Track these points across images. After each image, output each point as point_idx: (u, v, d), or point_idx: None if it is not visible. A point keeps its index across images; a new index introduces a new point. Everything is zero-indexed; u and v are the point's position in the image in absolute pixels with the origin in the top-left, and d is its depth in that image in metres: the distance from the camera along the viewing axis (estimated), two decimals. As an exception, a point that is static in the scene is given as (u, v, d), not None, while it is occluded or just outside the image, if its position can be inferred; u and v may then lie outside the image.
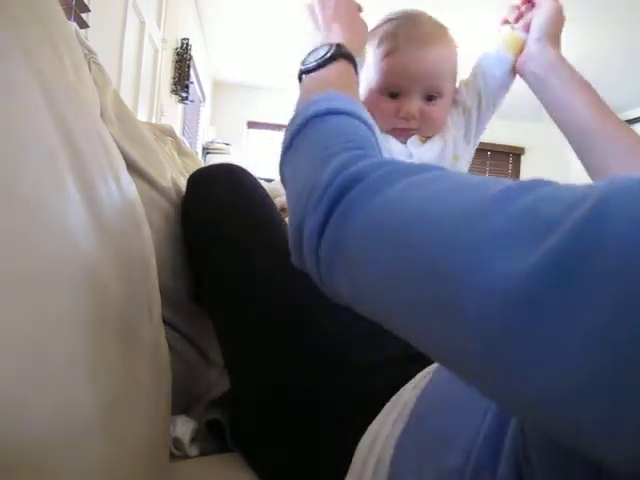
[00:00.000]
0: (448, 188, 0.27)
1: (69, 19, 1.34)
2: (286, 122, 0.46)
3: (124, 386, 0.38)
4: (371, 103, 0.63)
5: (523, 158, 5.64)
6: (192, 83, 3.53)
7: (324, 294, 0.35)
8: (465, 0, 3.20)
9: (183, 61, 3.26)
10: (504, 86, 0.67)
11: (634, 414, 0.15)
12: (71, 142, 0.38)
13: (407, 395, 0.43)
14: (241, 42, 4.17)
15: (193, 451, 0.61)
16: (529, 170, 5.61)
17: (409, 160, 0.62)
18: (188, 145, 1.30)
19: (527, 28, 0.64)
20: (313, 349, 0.53)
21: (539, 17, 0.62)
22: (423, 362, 0.46)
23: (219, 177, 0.70)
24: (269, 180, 1.30)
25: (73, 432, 0.30)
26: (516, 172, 5.66)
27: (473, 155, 0.70)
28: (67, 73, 0.47)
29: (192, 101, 3.66)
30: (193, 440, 0.61)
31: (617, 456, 0.16)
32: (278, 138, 4.70)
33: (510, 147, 5.54)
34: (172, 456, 0.58)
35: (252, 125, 5.28)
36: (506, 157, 5.63)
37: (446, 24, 0.65)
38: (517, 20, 0.66)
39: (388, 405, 0.45)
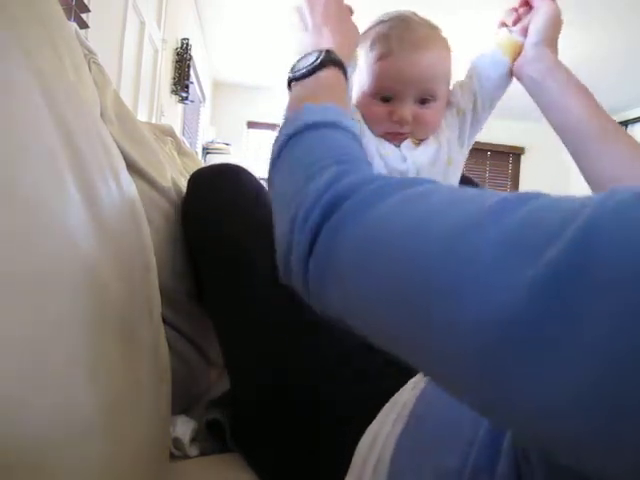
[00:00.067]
0: (441, 201, 0.26)
1: (69, 19, 1.34)
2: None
3: (124, 386, 0.38)
4: (364, 107, 0.62)
5: (523, 158, 5.64)
6: (192, 83, 3.53)
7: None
8: (459, 3, 3.20)
9: (183, 61, 3.26)
10: (500, 88, 0.66)
11: (634, 424, 0.15)
12: (71, 142, 0.38)
13: (406, 395, 0.43)
14: (241, 42, 4.17)
15: (193, 451, 0.61)
16: (529, 170, 5.61)
17: (403, 164, 0.61)
18: (188, 145, 1.30)
19: (524, 32, 0.63)
20: (313, 349, 0.53)
21: (537, 21, 0.62)
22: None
23: (220, 177, 0.70)
24: (269, 180, 1.30)
25: (73, 432, 0.30)
26: (516, 172, 5.66)
27: (467, 156, 0.69)
28: (67, 73, 0.47)
29: (192, 101, 3.66)
30: (193, 440, 0.61)
31: (617, 468, 0.16)
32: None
33: (510, 147, 5.54)
34: (172, 456, 0.58)
35: (252, 125, 5.28)
36: (506, 157, 5.63)
37: (440, 27, 0.65)
38: (515, 23, 0.65)
39: (388, 405, 0.45)
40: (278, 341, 0.55)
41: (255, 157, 5.17)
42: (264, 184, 0.73)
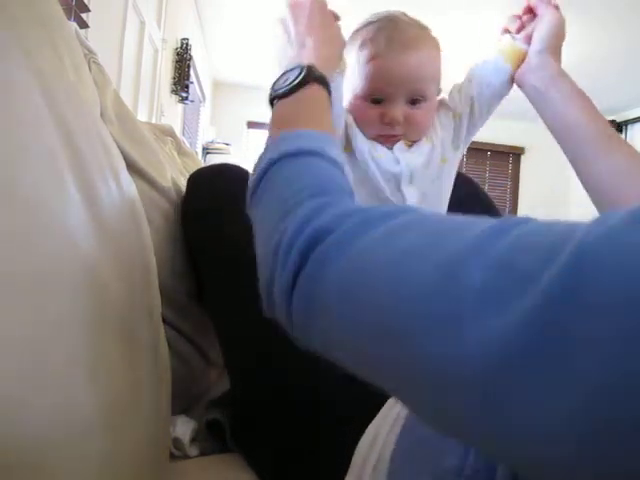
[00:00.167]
0: (427, 232, 0.26)
1: (69, 19, 1.34)
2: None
3: (124, 386, 0.38)
4: (355, 110, 0.62)
5: (523, 158, 5.63)
6: (192, 83, 3.52)
7: None
8: (449, 3, 3.19)
9: (183, 61, 3.26)
10: (499, 96, 0.66)
11: (626, 450, 0.15)
12: (71, 142, 0.38)
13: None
14: (241, 42, 4.17)
15: (193, 451, 0.61)
16: (529, 170, 5.61)
17: (396, 166, 0.61)
18: (188, 145, 1.30)
19: (528, 39, 0.63)
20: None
21: (541, 29, 0.61)
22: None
23: (220, 177, 0.70)
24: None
25: (73, 432, 0.30)
26: (516, 172, 5.66)
27: (464, 157, 0.69)
28: (67, 73, 0.47)
29: (192, 101, 3.66)
30: (193, 440, 0.61)
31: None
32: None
33: (510, 147, 5.54)
34: (172, 456, 0.58)
35: (252, 125, 5.28)
36: (506, 157, 5.63)
37: (430, 28, 0.64)
38: (518, 31, 0.65)
39: (387, 405, 0.45)
40: (278, 341, 0.55)
41: (255, 157, 5.14)
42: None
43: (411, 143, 0.63)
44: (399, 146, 0.62)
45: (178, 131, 3.21)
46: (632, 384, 0.15)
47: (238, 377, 0.61)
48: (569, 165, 0.60)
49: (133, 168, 0.62)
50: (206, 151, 4.47)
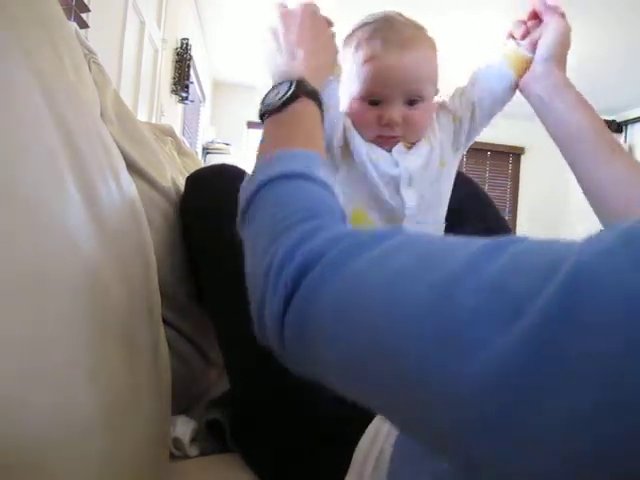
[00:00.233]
0: (409, 263, 0.26)
1: (69, 19, 1.34)
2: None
3: (124, 386, 0.38)
4: (353, 112, 0.61)
5: (523, 158, 5.63)
6: (192, 83, 3.52)
7: None
8: (449, 3, 3.19)
9: (183, 61, 3.26)
10: (502, 102, 0.65)
11: (626, 457, 0.16)
12: (71, 142, 0.38)
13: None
14: (241, 42, 4.17)
15: (193, 451, 0.61)
16: (529, 170, 5.61)
17: (395, 169, 0.60)
18: (188, 145, 1.30)
19: (532, 46, 0.62)
20: (313, 349, 0.53)
21: (547, 38, 0.61)
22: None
23: (219, 177, 0.70)
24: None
25: (73, 432, 0.30)
26: (516, 172, 5.65)
27: (463, 158, 0.68)
28: (67, 73, 0.47)
29: (192, 101, 3.66)
30: (193, 440, 0.62)
31: None
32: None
33: (510, 147, 5.54)
34: (172, 456, 0.58)
35: (252, 125, 5.27)
36: (506, 157, 5.63)
37: (429, 28, 0.63)
38: (523, 37, 0.64)
39: (388, 405, 0.45)
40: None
41: (255, 157, 5.14)
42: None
43: (410, 145, 0.62)
44: (398, 148, 0.61)
45: (178, 131, 3.20)
46: (632, 400, 0.15)
47: (238, 377, 0.61)
48: (568, 166, 0.60)
49: (133, 168, 0.62)
50: (206, 151, 4.47)
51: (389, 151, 0.62)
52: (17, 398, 0.26)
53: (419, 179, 0.61)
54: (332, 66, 0.59)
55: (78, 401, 0.31)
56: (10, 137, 0.30)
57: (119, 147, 0.56)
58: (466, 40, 3.59)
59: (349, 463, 0.49)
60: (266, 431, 0.56)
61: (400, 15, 0.63)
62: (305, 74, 0.51)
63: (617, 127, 4.87)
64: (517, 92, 0.65)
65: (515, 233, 0.81)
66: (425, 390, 0.22)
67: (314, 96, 0.49)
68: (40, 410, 0.27)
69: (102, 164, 0.44)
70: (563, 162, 0.62)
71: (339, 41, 0.63)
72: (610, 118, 4.86)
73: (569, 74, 0.62)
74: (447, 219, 0.66)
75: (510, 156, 5.63)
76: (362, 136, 0.62)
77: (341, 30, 0.61)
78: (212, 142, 4.54)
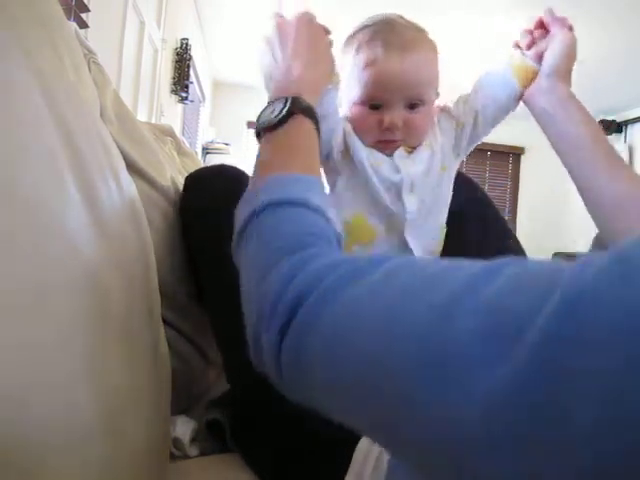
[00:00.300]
0: (409, 283, 0.26)
1: (69, 19, 1.34)
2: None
3: (124, 387, 0.38)
4: (354, 117, 0.61)
5: (523, 158, 5.63)
6: (192, 83, 3.52)
7: None
8: (449, 3, 3.19)
9: (183, 61, 3.25)
10: (506, 110, 0.65)
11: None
12: (71, 142, 0.38)
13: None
14: (241, 42, 4.17)
15: (193, 451, 0.61)
16: (529, 170, 5.61)
17: (396, 175, 0.60)
18: (188, 145, 1.30)
19: (539, 58, 0.62)
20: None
21: (553, 51, 0.61)
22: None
23: (219, 177, 0.70)
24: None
25: (73, 432, 0.30)
26: (516, 172, 5.65)
27: (464, 160, 0.68)
28: (67, 73, 0.47)
29: (192, 101, 3.66)
30: (193, 440, 0.62)
31: None
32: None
33: (510, 147, 5.53)
34: (172, 456, 0.58)
35: (252, 125, 5.27)
36: (506, 157, 5.62)
37: (429, 28, 0.63)
38: (529, 47, 0.64)
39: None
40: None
41: (255, 157, 5.14)
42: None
43: (411, 149, 0.62)
44: (399, 153, 0.61)
45: (178, 131, 3.20)
46: (632, 417, 0.15)
47: (238, 377, 0.61)
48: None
49: (133, 168, 0.62)
50: (206, 151, 4.47)
51: (390, 156, 0.61)
52: (17, 400, 0.26)
53: (421, 184, 0.61)
54: (330, 75, 0.58)
55: (78, 402, 0.31)
56: (10, 137, 0.30)
57: (119, 147, 0.56)
58: (467, 41, 3.59)
59: (349, 463, 0.49)
60: (266, 431, 0.56)
61: (401, 17, 0.62)
62: (302, 87, 0.51)
63: (617, 127, 4.87)
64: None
65: (515, 233, 0.81)
66: (426, 411, 0.22)
67: (310, 113, 0.49)
68: (40, 411, 0.27)
69: (102, 164, 0.44)
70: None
71: (339, 45, 0.62)
72: (610, 118, 4.85)
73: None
74: (447, 222, 0.66)
75: (510, 156, 5.63)
76: (362, 141, 0.61)
77: (342, 28, 0.60)
78: (212, 142, 4.54)
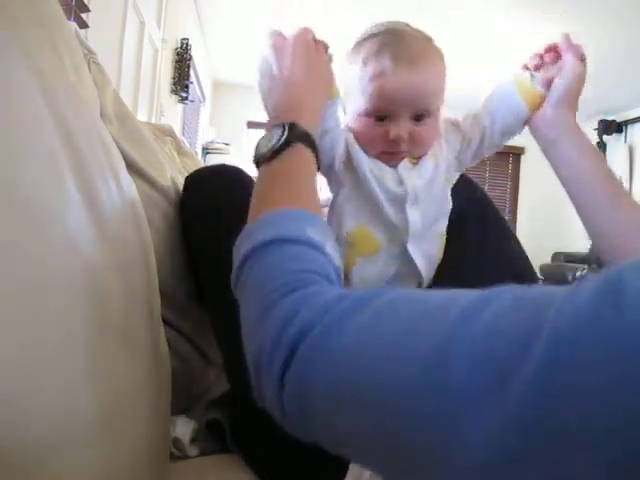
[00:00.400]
0: (409, 319, 0.27)
1: (69, 19, 1.33)
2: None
3: (124, 386, 0.38)
4: (359, 128, 0.60)
5: (523, 158, 5.63)
6: (192, 83, 3.52)
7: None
8: (449, 3, 3.17)
9: (183, 61, 3.25)
10: (512, 133, 0.65)
11: None
12: (71, 142, 0.38)
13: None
14: (241, 42, 4.17)
15: (193, 451, 0.61)
16: (529, 170, 5.61)
17: (400, 187, 0.59)
18: (188, 145, 1.30)
19: (548, 83, 0.62)
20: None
21: (562, 79, 0.60)
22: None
23: (219, 177, 0.70)
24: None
25: (73, 432, 0.30)
26: (516, 172, 5.66)
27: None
28: (67, 73, 0.47)
29: (192, 101, 3.66)
30: (193, 440, 0.62)
31: None
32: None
33: (510, 147, 5.53)
34: (172, 456, 0.58)
35: (252, 125, 5.27)
36: (506, 157, 5.63)
37: (430, 28, 0.62)
38: (538, 68, 0.63)
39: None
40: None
41: (255, 157, 5.14)
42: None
43: (415, 161, 0.61)
44: (404, 164, 0.60)
45: (178, 131, 3.20)
46: (635, 428, 0.16)
47: (238, 377, 0.61)
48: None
49: (133, 168, 0.62)
50: (206, 151, 4.47)
51: (394, 167, 0.60)
52: (17, 401, 0.26)
53: (424, 197, 0.60)
54: (329, 92, 0.58)
55: (78, 402, 0.31)
56: (10, 137, 0.30)
57: (119, 147, 0.56)
58: (466, 40, 3.59)
59: (348, 463, 0.49)
60: (266, 431, 0.56)
61: (408, 26, 0.61)
62: (300, 109, 0.50)
63: (617, 127, 4.87)
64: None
65: (515, 233, 0.81)
66: (426, 456, 0.23)
67: (307, 140, 0.48)
68: (40, 411, 0.27)
69: (102, 164, 0.44)
70: (563, 163, 0.62)
71: (342, 53, 0.62)
72: (610, 118, 4.85)
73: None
74: (447, 222, 0.66)
75: (510, 156, 5.63)
76: (366, 152, 0.60)
77: (342, 29, 0.60)
78: (212, 142, 4.53)
